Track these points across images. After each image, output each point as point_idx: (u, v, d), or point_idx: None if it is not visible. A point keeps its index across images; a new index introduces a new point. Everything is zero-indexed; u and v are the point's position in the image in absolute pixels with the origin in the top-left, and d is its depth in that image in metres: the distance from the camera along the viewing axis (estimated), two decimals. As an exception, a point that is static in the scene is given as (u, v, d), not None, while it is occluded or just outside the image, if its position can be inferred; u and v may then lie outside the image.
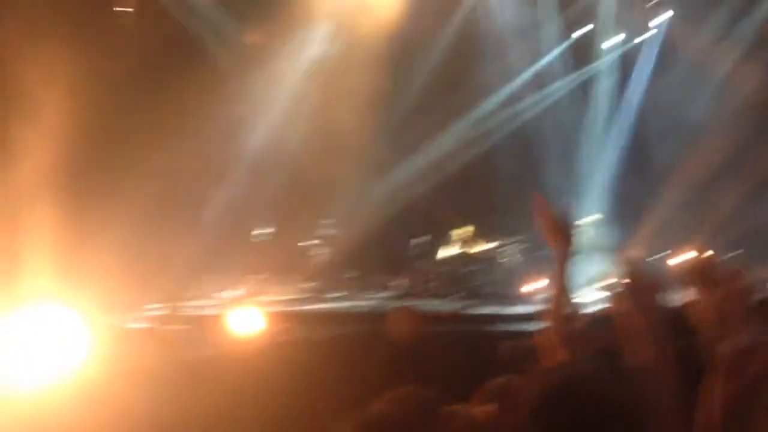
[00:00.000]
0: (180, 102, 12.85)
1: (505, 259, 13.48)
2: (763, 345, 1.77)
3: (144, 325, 8.83)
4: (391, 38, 15.19)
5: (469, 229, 13.47)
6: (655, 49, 16.69)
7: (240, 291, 13.43)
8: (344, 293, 13.93)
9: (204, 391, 5.75)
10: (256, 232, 14.18)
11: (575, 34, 16.82)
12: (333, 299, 13.14)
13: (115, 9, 13.80)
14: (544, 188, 15.83)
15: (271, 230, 14.15)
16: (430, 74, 15.97)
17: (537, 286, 11.46)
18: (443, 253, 13.66)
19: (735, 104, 14.61)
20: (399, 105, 15.85)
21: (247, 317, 7.45)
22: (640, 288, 2.29)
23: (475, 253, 13.36)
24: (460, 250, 13.44)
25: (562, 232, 2.57)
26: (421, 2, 15.28)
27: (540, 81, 16.92)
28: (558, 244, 2.55)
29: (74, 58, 10.25)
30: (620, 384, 1.81)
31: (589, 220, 14.41)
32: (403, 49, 15.54)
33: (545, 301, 2.71)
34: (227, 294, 13.43)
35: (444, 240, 13.77)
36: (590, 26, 16.70)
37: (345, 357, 6.31)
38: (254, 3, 15.16)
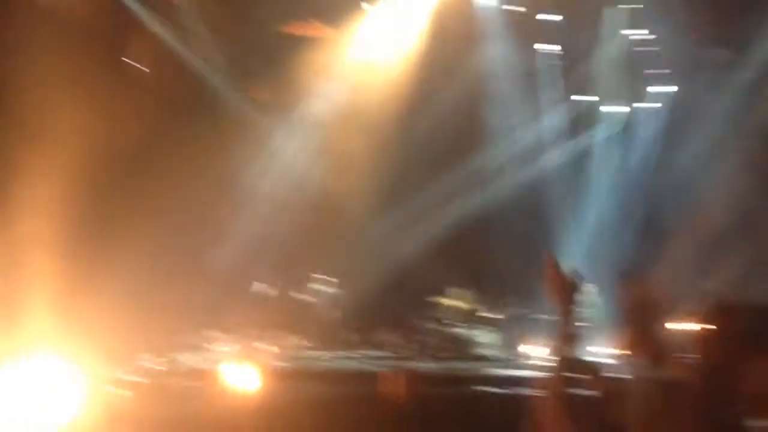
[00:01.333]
0: (188, 156, 12.98)
1: (503, 322, 13.46)
2: None
3: (141, 378, 8.78)
4: (397, 98, 15.44)
5: (467, 292, 13.46)
6: (659, 119, 16.97)
7: (238, 345, 13.36)
8: (342, 352, 13.87)
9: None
10: (256, 286, 14.11)
11: (578, 101, 17.12)
12: (331, 358, 13.07)
13: (129, 65, 14.01)
14: (544, 252, 15.91)
15: (271, 285, 14.11)
16: (434, 135, 16.16)
17: (535, 349, 11.42)
18: (442, 314, 13.62)
19: (739, 174, 14.79)
20: (403, 165, 16.02)
21: (244, 373, 7.43)
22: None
23: (474, 315, 13.33)
24: (459, 312, 13.41)
25: (568, 291, 2.49)
26: (424, 65, 15.56)
27: (542, 146, 17.14)
28: (562, 304, 2.47)
29: (87, 111, 10.39)
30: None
31: (589, 289, 14.41)
32: (408, 109, 15.78)
33: (547, 366, 2.57)
34: (225, 348, 13.36)
35: (443, 301, 13.74)
36: (593, 95, 17.05)
37: (341, 417, 6.28)
38: (262, 59, 15.45)
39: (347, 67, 15.56)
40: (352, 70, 15.55)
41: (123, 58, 13.82)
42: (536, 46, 16.46)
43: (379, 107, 15.38)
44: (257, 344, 13.26)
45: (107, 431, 5.99)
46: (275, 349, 13.14)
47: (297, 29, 15.45)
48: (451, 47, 15.68)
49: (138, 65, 14.10)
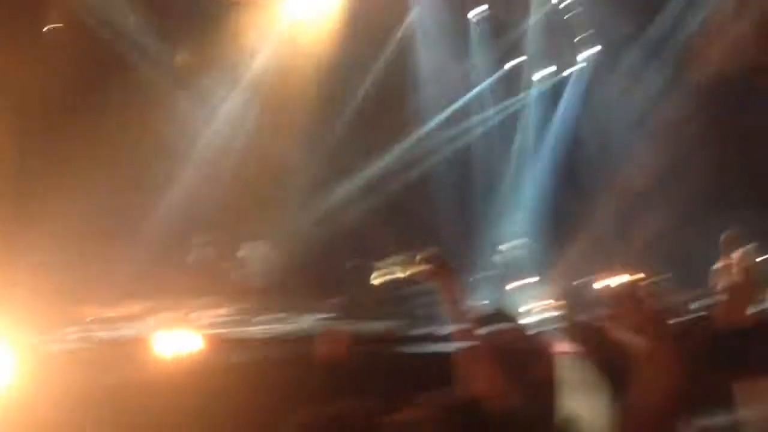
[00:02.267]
0: (108, 121, 12.66)
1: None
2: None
3: (68, 348, 8.59)
4: (327, 61, 15.32)
5: (407, 253, 13.48)
6: (584, 81, 17.40)
7: (169, 312, 13.18)
8: (276, 315, 13.84)
9: (129, 416, 5.64)
10: (186, 252, 13.83)
11: (507, 65, 17.36)
12: (264, 322, 12.99)
13: (44, 26, 13.51)
14: (477, 213, 16.18)
15: (202, 250, 13.89)
16: (366, 98, 16.15)
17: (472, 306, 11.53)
18: (377, 275, 13.65)
19: (660, 132, 15.20)
20: (335, 128, 15.96)
21: (175, 340, 7.31)
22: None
23: (408, 276, 13.39)
24: (393, 273, 13.45)
25: (441, 268, 2.61)
26: (357, 26, 15.46)
27: (473, 109, 17.33)
28: (439, 278, 2.60)
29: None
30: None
31: (517, 244, 14.72)
32: (338, 72, 15.67)
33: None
34: (156, 315, 13.17)
35: (378, 262, 13.77)
36: (522, 58, 17.33)
37: (275, 380, 6.28)
38: (185, 23, 15.11)
39: (277, 32, 15.35)
40: (283, 34, 15.35)
41: (38, 18, 13.32)
42: (470, 12, 16.53)
43: (311, 72, 15.27)
44: (192, 310, 13.12)
45: (36, 402, 5.87)
46: (210, 314, 12.99)
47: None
48: (382, 9, 15.62)
49: (54, 24, 13.59)
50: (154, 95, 14.50)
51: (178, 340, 7.59)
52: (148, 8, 14.70)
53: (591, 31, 16.68)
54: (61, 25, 13.64)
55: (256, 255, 13.99)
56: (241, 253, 14.11)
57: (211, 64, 15.30)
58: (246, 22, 15.10)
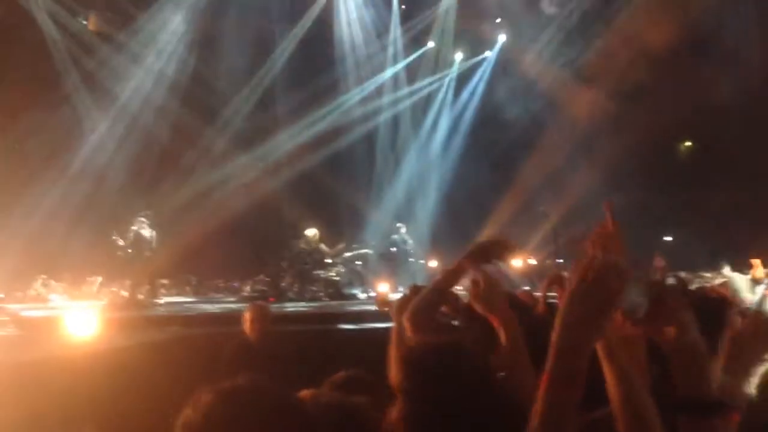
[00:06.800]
0: (9, 94, 12.07)
1: (355, 261, 13.57)
2: None
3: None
4: (241, 35, 14.97)
5: (316, 232, 13.27)
6: (491, 66, 17.96)
7: (81, 293, 12.71)
8: (196, 296, 13.56)
9: (35, 395, 5.39)
10: (112, 236, 12.91)
11: (419, 50, 17.64)
12: (181, 303, 12.63)
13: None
14: (382, 194, 16.26)
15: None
16: (282, 74, 15.93)
17: (385, 287, 11.57)
18: (295, 254, 13.44)
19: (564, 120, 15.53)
20: (248, 102, 15.69)
21: (83, 320, 7.01)
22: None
23: (326, 255, 13.27)
24: (311, 252, 13.29)
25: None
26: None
27: (384, 92, 17.53)
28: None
29: None
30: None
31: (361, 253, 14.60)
32: (252, 47, 15.36)
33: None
34: (65, 296, 12.69)
35: (295, 241, 13.56)
36: (432, 44, 17.61)
37: (190, 359, 6.12)
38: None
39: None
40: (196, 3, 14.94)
41: None
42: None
43: (223, 41, 14.94)
44: (99, 291, 12.66)
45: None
46: (112, 295, 12.47)
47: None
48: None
49: None
50: (60, 64, 13.89)
51: (85, 320, 7.29)
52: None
53: (501, 18, 17.07)
54: None
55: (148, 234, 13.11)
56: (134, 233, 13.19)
57: (124, 33, 14.75)
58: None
